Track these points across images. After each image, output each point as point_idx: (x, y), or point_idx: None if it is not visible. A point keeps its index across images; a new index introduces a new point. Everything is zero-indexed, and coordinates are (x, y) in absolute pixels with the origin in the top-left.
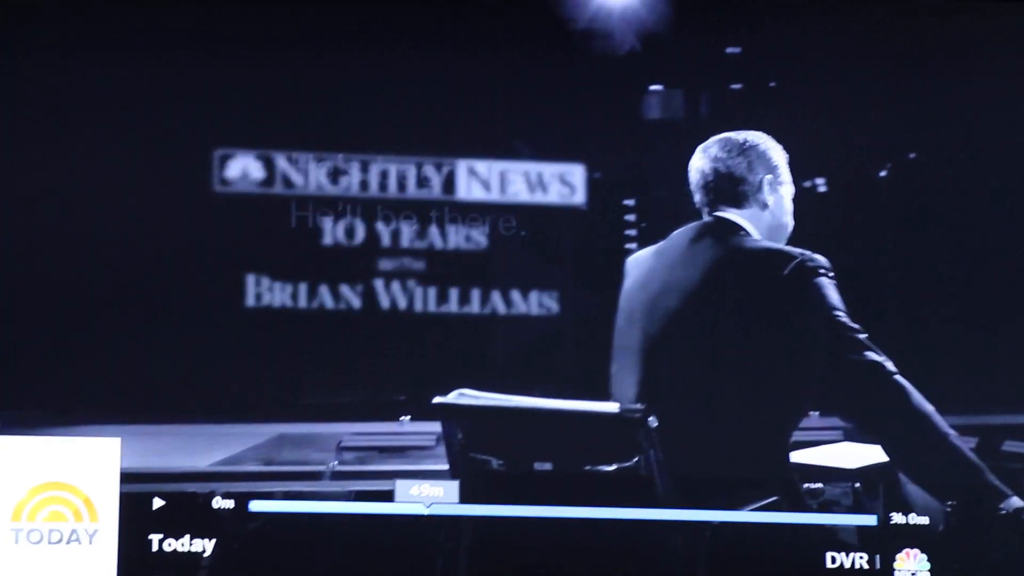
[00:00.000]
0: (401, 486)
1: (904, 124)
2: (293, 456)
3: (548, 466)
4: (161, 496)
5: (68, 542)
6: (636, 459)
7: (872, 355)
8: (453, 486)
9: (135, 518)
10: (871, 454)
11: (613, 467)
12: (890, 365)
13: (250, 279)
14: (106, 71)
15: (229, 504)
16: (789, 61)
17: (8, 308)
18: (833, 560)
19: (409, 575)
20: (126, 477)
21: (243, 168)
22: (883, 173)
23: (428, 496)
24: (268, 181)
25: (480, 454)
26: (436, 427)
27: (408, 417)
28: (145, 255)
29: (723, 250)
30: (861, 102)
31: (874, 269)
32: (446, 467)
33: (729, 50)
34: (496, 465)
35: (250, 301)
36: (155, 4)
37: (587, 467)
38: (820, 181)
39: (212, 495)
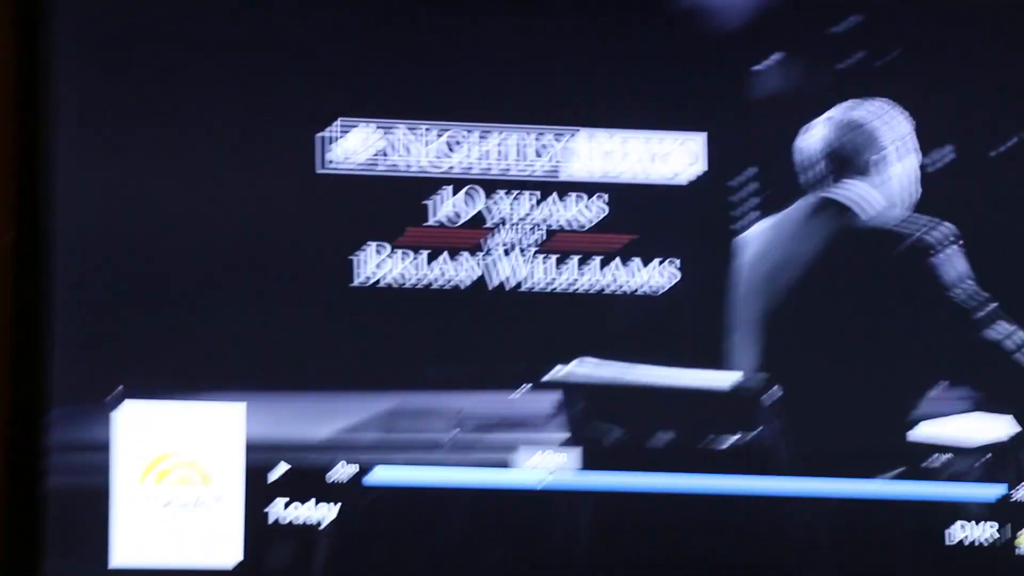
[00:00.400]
0: (522, 454)
1: None
2: (412, 426)
3: (670, 435)
4: (285, 462)
5: (196, 506)
6: (758, 429)
7: (1002, 325)
8: (575, 454)
9: (259, 485)
10: (1001, 426)
11: (736, 436)
12: (1019, 336)
13: (367, 252)
14: (214, 41)
15: (351, 471)
16: (914, 28)
17: (135, 287)
18: (955, 534)
19: (530, 546)
20: (249, 446)
21: (361, 139)
22: (1011, 142)
23: (549, 464)
24: (384, 153)
25: (601, 423)
26: (555, 398)
27: (529, 386)
28: (264, 232)
29: (846, 221)
30: (989, 70)
31: (1004, 237)
32: (567, 436)
33: (852, 18)
34: (618, 434)
35: (370, 273)
36: None
37: (707, 438)
38: (947, 149)
39: (333, 464)
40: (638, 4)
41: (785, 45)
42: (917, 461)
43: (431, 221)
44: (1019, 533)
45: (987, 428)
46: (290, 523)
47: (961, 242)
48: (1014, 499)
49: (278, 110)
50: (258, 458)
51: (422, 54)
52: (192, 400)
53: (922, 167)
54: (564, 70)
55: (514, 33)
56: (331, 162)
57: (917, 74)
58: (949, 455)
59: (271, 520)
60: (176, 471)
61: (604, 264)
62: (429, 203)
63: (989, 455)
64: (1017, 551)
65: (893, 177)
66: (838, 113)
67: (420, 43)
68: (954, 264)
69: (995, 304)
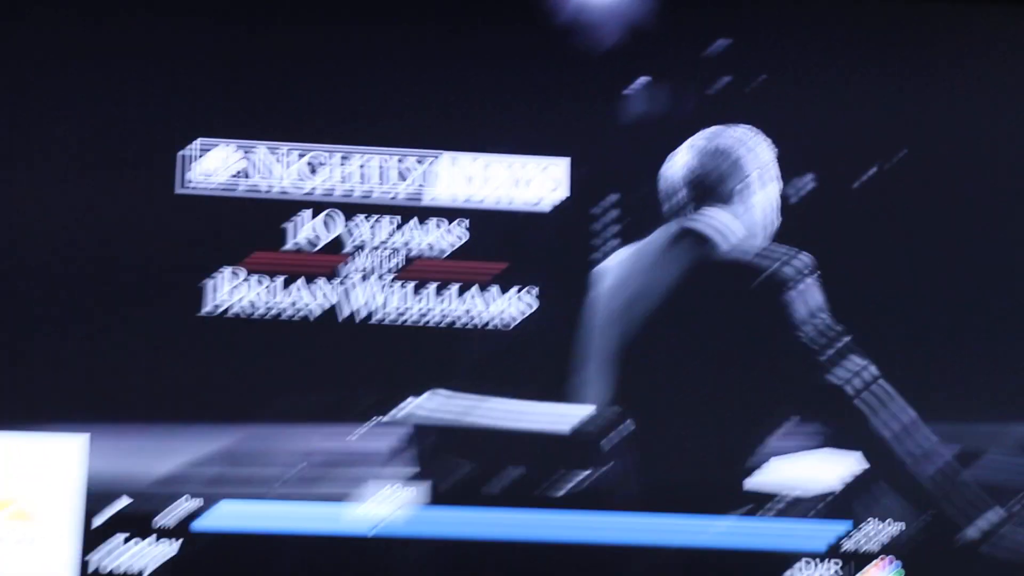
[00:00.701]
0: (368, 490)
1: (894, 121)
2: (255, 461)
3: (520, 470)
4: (126, 495)
5: (27, 542)
6: (610, 463)
7: (854, 360)
8: (423, 489)
9: (96, 518)
10: (849, 463)
11: (585, 473)
12: (873, 369)
13: (223, 275)
14: (80, 64)
15: (193, 506)
16: (778, 55)
17: None
18: (799, 573)
19: None
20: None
21: (219, 161)
22: (872, 171)
23: (396, 499)
24: (244, 175)
25: (452, 456)
26: (404, 433)
27: (376, 421)
28: (115, 252)
29: (704, 250)
30: (851, 98)
31: (860, 268)
32: (415, 471)
33: (716, 43)
34: (467, 469)
35: (222, 299)
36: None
37: (559, 473)
38: (807, 178)
39: (176, 498)
40: (503, 26)
41: (652, 69)
42: (765, 498)
43: (288, 245)
44: (862, 571)
45: (835, 465)
46: (118, 568)
47: (818, 273)
48: (858, 536)
49: (137, 128)
50: (99, 490)
51: (285, 74)
52: (32, 432)
53: (783, 196)
54: (428, 92)
55: (377, 54)
56: (190, 182)
57: (781, 101)
58: (797, 492)
59: (98, 564)
60: (13, 505)
61: (462, 292)
62: (288, 226)
63: (836, 492)
64: None
65: (754, 206)
66: (702, 140)
67: (283, 63)
68: (810, 296)
69: (848, 338)
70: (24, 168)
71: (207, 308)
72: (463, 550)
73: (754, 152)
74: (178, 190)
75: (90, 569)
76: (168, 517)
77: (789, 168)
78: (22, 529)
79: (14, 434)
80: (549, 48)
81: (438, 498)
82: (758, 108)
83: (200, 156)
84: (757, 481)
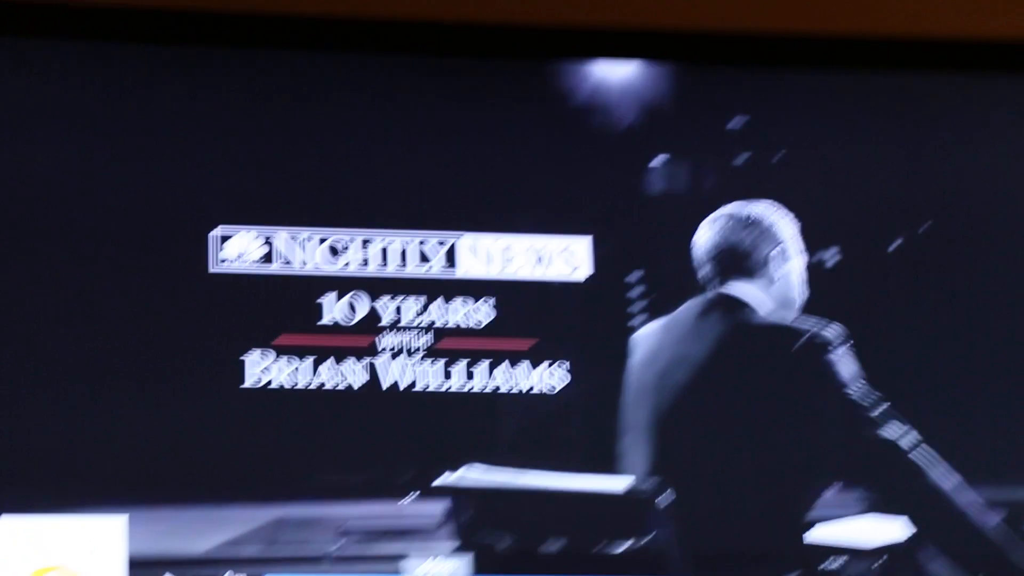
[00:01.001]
0: (410, 563)
1: (916, 194)
2: (294, 538)
3: (561, 543)
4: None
5: None
6: (650, 535)
7: (893, 426)
8: (463, 562)
9: None
10: (896, 528)
11: (628, 543)
12: (913, 436)
13: (251, 357)
14: (99, 146)
15: None
16: (797, 131)
17: (7, 386)
18: None
19: None
20: (132, 560)
21: (242, 247)
22: (896, 243)
23: (438, 573)
24: (267, 259)
25: (490, 532)
26: (442, 507)
27: (414, 495)
28: (146, 333)
29: (732, 324)
30: (872, 172)
31: (894, 335)
32: (458, 544)
33: (735, 119)
34: (506, 544)
35: (251, 380)
36: (147, 84)
37: (601, 543)
38: (833, 251)
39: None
40: (520, 105)
41: (671, 146)
42: (813, 564)
43: (318, 325)
44: None
45: (882, 530)
46: None
47: (851, 342)
48: None
49: (161, 215)
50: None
51: (302, 159)
52: (70, 514)
53: (809, 267)
54: (446, 173)
55: (394, 135)
56: (223, 260)
57: (803, 174)
58: (845, 557)
59: None
60: None
61: (493, 367)
62: (314, 307)
63: (885, 557)
64: None
65: (781, 279)
66: (724, 215)
67: (296, 145)
68: (845, 365)
69: (887, 404)
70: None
71: (240, 384)
72: None
73: (777, 226)
74: (212, 269)
75: None
76: None
77: (814, 241)
78: None
79: (52, 517)
80: (567, 128)
81: (480, 568)
82: (779, 182)
83: (222, 244)
84: (802, 547)
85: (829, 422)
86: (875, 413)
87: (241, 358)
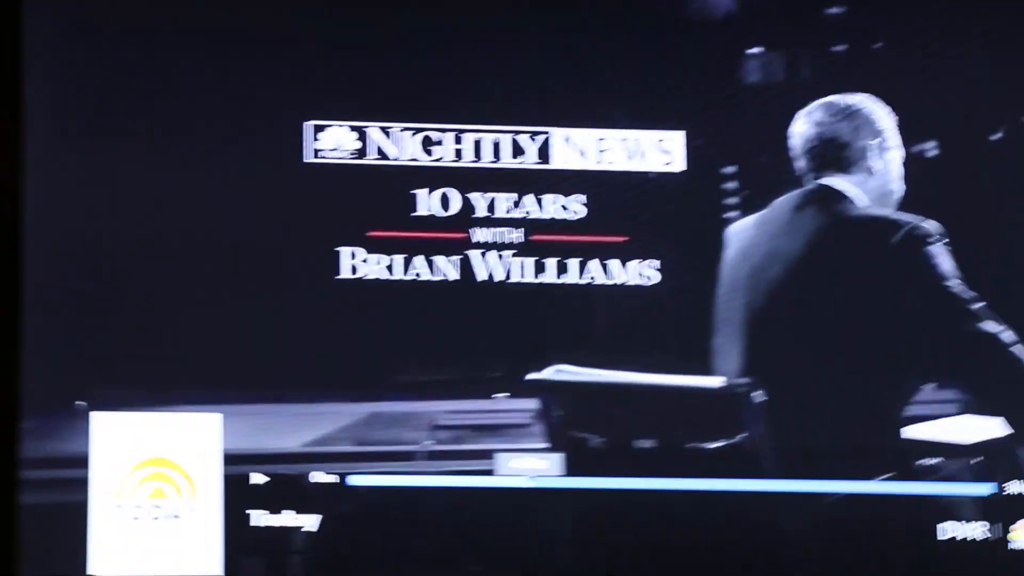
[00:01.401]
0: (501, 459)
1: (1017, 85)
2: (387, 435)
3: (650, 442)
4: (262, 473)
5: (171, 518)
6: (742, 434)
7: (989, 325)
8: (556, 459)
9: (236, 495)
10: (990, 427)
11: (718, 443)
12: (1008, 335)
13: (344, 251)
14: (192, 44)
15: (329, 479)
16: (895, 20)
17: (105, 288)
18: (948, 530)
19: (512, 551)
20: (225, 457)
21: (336, 139)
22: (997, 135)
23: (530, 469)
24: (361, 152)
25: (580, 431)
26: (534, 404)
27: (505, 394)
28: (238, 229)
29: (828, 218)
30: (971, 62)
31: (990, 234)
32: (545, 446)
33: (831, 10)
34: (597, 442)
35: (345, 273)
36: None
37: (691, 443)
38: (930, 144)
39: (310, 472)
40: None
41: (764, 40)
42: (908, 462)
43: (411, 216)
44: (1011, 528)
45: (979, 427)
46: (273, 528)
47: (945, 240)
48: (1005, 494)
49: (252, 109)
50: (235, 468)
51: (393, 54)
52: (166, 411)
53: (906, 162)
54: (540, 68)
55: (488, 31)
56: (319, 151)
57: (899, 67)
58: (940, 456)
59: (251, 528)
60: (154, 482)
61: (585, 261)
62: (408, 199)
63: (980, 455)
64: (1009, 546)
65: (879, 171)
66: (819, 108)
67: (390, 43)
68: (943, 259)
69: (983, 303)
70: (144, 159)
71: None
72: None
73: (876, 117)
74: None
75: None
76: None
77: (912, 134)
78: (170, 504)
79: (148, 413)
80: (661, 20)
81: (573, 464)
82: (877, 73)
83: (316, 135)
84: (898, 444)
85: (922, 321)
86: (969, 313)
87: (336, 249)
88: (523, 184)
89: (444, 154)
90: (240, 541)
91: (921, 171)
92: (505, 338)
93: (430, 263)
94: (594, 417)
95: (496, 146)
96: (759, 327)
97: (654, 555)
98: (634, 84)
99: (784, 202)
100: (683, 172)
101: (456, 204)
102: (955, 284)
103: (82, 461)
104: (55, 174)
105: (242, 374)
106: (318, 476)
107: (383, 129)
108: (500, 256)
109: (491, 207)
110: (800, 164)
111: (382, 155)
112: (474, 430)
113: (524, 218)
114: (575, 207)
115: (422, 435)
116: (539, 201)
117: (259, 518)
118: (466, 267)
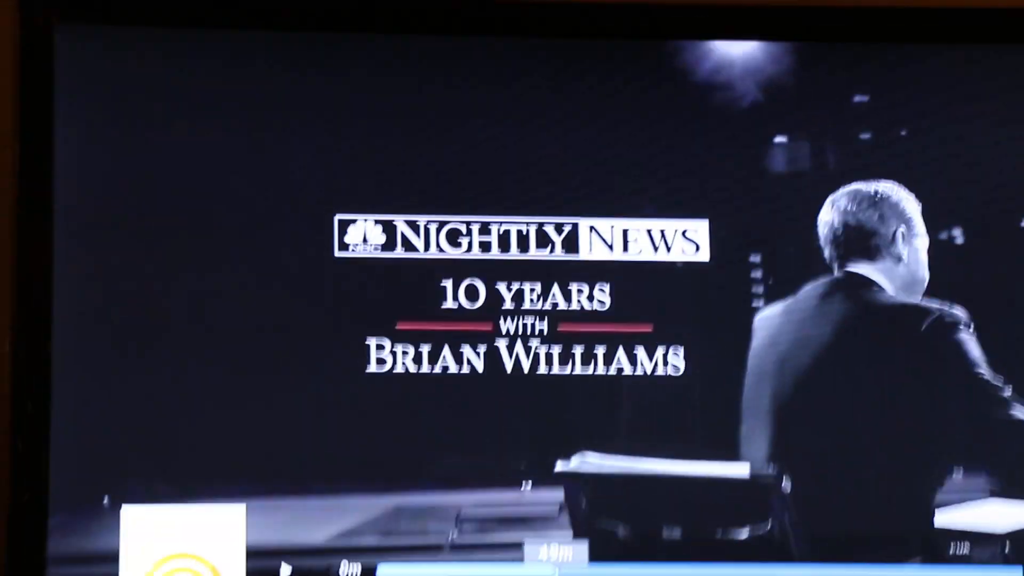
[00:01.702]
0: (529, 549)
1: None
2: (412, 528)
3: (677, 531)
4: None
5: None
6: (772, 522)
7: (1017, 412)
8: (582, 548)
9: None
10: (1019, 513)
11: (746, 531)
12: None
13: (371, 343)
14: (225, 135)
15: (355, 571)
16: (920, 107)
17: (130, 379)
18: None
19: None
20: (249, 551)
21: (363, 233)
22: None
23: (557, 559)
24: (388, 245)
25: (606, 521)
26: (559, 495)
27: (529, 484)
28: (267, 321)
29: (856, 306)
30: (996, 148)
31: (1017, 320)
32: (571, 535)
33: (856, 98)
34: (623, 532)
35: (374, 366)
36: (271, 70)
37: (721, 530)
38: (957, 231)
39: (335, 567)
40: (638, 86)
41: (789, 128)
42: (938, 549)
43: (440, 309)
44: None
45: (1005, 515)
46: None
47: (971, 327)
48: None
49: (283, 202)
50: (259, 562)
51: (419, 148)
52: (190, 503)
53: (932, 248)
54: (563, 158)
55: (510, 119)
56: (349, 245)
57: (924, 154)
58: (969, 541)
59: None
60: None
61: (612, 351)
62: (437, 292)
63: (1008, 541)
64: None
65: (907, 257)
66: (844, 197)
67: (412, 133)
68: (972, 346)
69: (1009, 390)
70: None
71: (354, 371)
72: None
73: (904, 203)
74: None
75: None
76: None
77: (937, 221)
78: None
79: (175, 506)
80: (686, 108)
81: (598, 554)
82: (900, 162)
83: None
84: (927, 532)
85: (955, 404)
86: (997, 400)
87: (365, 343)
88: (549, 274)
89: (471, 246)
90: None
91: (947, 258)
92: (533, 428)
93: (458, 355)
94: (621, 505)
95: (522, 236)
96: (787, 415)
97: None
98: (659, 174)
99: (811, 290)
100: (709, 261)
101: (482, 295)
102: (984, 370)
103: (109, 557)
104: (85, 267)
105: (267, 467)
106: (345, 569)
107: (408, 223)
108: (527, 347)
109: (518, 297)
110: (827, 252)
111: (410, 248)
112: (501, 521)
113: (550, 310)
114: (601, 296)
115: (448, 527)
116: (565, 292)
117: None
118: (493, 357)
